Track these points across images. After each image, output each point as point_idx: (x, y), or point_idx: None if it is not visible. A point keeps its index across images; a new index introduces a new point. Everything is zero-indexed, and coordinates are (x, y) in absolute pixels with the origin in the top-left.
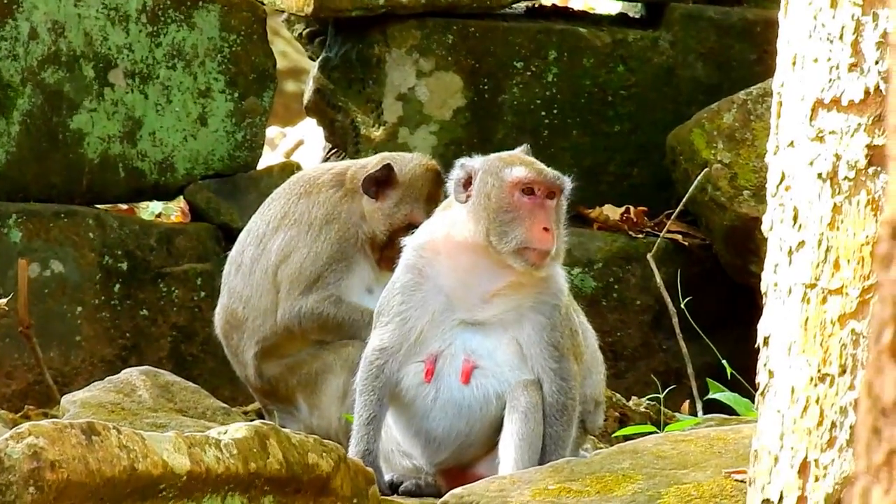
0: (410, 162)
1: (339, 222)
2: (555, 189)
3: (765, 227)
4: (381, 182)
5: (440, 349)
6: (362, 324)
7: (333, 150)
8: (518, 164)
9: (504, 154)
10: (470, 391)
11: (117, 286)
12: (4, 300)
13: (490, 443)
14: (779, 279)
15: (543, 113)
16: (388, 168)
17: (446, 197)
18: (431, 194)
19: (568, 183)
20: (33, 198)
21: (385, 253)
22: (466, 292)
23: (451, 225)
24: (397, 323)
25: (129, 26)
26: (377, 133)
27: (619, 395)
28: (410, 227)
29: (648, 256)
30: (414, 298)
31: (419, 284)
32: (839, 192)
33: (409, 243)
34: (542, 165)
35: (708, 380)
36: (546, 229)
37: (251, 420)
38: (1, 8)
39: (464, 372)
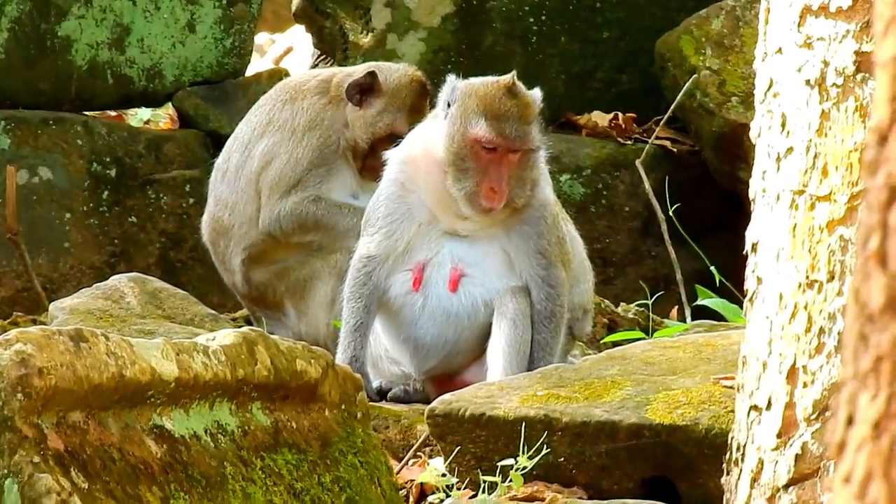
0: (396, 72)
1: (321, 129)
2: (517, 148)
3: (753, 134)
4: (364, 89)
5: (428, 258)
6: (341, 216)
7: (322, 57)
8: (486, 116)
9: (483, 91)
10: (458, 299)
11: (105, 193)
12: None
13: (478, 350)
14: (767, 185)
15: (532, 19)
16: (372, 75)
17: (432, 108)
18: (415, 105)
19: (534, 141)
20: (21, 105)
21: (367, 162)
22: (447, 209)
23: (430, 140)
24: (384, 233)
25: None
26: (365, 40)
27: (607, 302)
28: (392, 136)
29: (637, 163)
30: (399, 210)
31: (403, 197)
32: (827, 99)
33: (393, 156)
34: (510, 121)
35: (697, 286)
36: (493, 189)
37: (239, 327)
38: None
39: (451, 280)
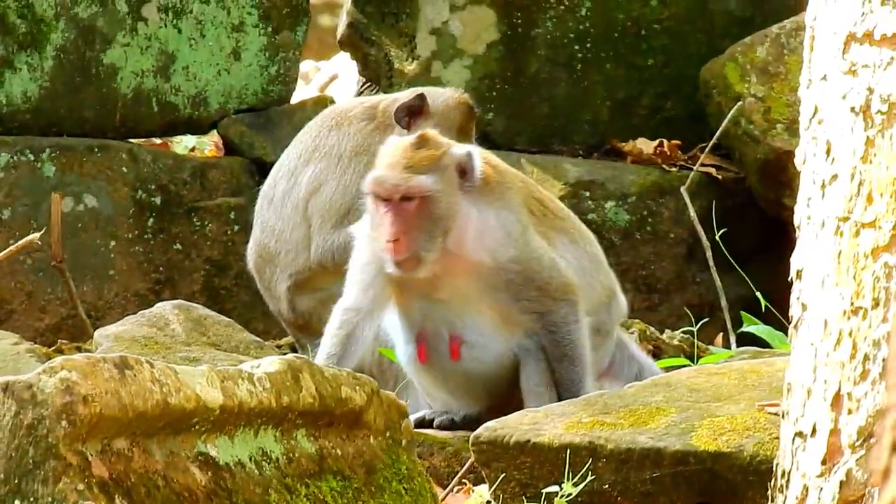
0: (443, 95)
1: (368, 154)
2: (399, 195)
3: (798, 161)
4: (413, 112)
5: (425, 328)
6: None
7: (367, 85)
8: (376, 168)
9: (387, 145)
10: (465, 365)
11: (150, 220)
12: (38, 234)
13: (516, 387)
14: (812, 212)
15: (577, 46)
16: (420, 98)
17: (479, 131)
18: (463, 127)
19: (419, 188)
20: (66, 132)
21: None
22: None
23: None
24: (359, 290)
25: None
26: (411, 67)
27: (652, 328)
28: None
29: (682, 189)
30: (373, 278)
31: (376, 270)
32: (872, 126)
33: (357, 233)
34: (392, 168)
35: (742, 312)
36: (388, 241)
37: (284, 354)
38: None
39: (452, 351)
